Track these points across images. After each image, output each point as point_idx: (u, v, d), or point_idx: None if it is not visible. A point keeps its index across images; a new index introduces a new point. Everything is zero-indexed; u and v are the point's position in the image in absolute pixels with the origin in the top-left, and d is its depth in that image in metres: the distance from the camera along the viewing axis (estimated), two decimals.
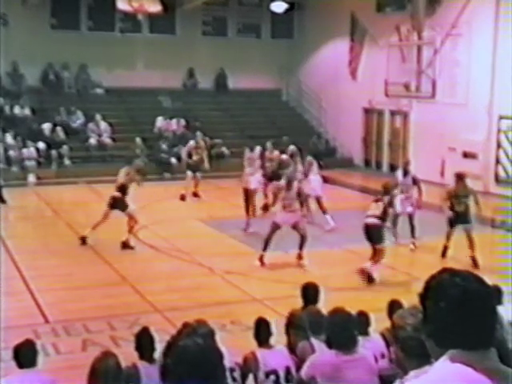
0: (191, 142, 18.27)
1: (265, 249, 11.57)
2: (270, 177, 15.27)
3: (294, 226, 11.64)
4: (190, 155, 17.97)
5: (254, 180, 14.72)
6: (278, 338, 5.86)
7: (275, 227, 11.55)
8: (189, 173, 17.64)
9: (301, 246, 11.63)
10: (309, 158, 15.23)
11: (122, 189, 12.70)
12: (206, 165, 18.06)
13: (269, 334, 5.68)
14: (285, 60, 26.01)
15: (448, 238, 11.97)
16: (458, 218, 11.73)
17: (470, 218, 11.89)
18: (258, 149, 15.76)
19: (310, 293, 6.63)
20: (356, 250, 12.65)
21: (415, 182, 13.25)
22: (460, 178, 12.00)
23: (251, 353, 5.53)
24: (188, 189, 17.62)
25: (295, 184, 11.95)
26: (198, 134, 19.02)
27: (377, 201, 11.09)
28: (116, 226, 14.11)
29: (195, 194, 17.87)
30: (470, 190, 12.02)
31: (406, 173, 13.48)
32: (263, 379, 5.39)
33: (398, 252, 12.73)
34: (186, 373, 2.34)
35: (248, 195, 14.48)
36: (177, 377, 2.35)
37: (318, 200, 14.53)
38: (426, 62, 20.44)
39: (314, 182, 14.59)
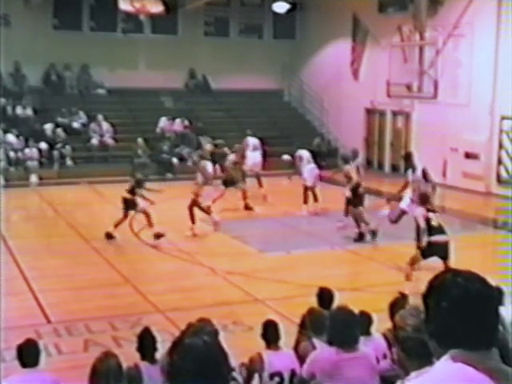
0: (230, 157, 16.68)
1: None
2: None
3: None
4: (225, 169, 16.57)
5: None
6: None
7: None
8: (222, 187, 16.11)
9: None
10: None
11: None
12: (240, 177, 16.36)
13: (277, 336, 5.66)
14: (287, 60, 25.98)
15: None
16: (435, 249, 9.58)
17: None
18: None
19: (325, 297, 6.62)
20: (357, 250, 12.65)
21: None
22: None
23: (257, 353, 5.52)
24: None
25: None
26: (237, 146, 17.35)
27: None
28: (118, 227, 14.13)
29: (247, 207, 16.16)
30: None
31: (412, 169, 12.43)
32: (267, 380, 5.39)
33: (398, 252, 12.69)
34: (193, 370, 2.34)
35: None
36: (184, 374, 2.35)
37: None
38: (428, 62, 20.43)
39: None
